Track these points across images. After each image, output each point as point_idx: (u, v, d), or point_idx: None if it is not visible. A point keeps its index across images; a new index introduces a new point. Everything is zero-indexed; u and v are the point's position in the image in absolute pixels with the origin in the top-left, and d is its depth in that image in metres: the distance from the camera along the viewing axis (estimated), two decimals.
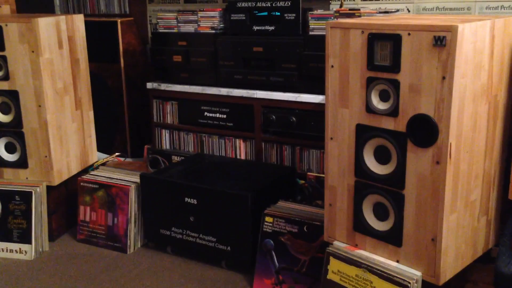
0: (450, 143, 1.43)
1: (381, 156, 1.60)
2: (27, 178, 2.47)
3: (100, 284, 2.17)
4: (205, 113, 2.80)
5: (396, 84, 1.50)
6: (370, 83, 1.56)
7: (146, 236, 2.45)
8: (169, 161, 2.93)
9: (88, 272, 2.27)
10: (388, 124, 1.55)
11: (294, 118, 2.53)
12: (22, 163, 2.45)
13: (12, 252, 2.41)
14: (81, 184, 2.53)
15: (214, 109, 2.77)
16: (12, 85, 2.37)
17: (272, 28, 2.54)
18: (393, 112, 1.53)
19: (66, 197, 2.60)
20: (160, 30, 2.85)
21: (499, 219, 1.75)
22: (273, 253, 2.07)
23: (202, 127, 2.83)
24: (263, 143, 2.66)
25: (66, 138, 2.53)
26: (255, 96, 2.61)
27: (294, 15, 2.47)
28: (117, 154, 2.98)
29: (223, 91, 2.69)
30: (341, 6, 2.80)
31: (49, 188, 2.47)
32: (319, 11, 2.46)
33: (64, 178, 2.53)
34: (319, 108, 2.44)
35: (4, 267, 2.33)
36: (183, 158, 2.85)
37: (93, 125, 2.76)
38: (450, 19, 1.50)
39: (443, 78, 1.39)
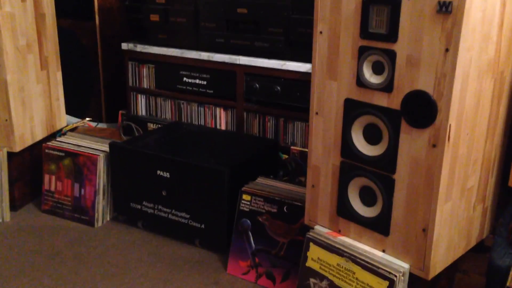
0: (450, 125, 1.26)
1: (371, 135, 1.43)
2: None
3: (61, 261, 2.01)
4: (184, 79, 2.60)
5: (392, 55, 1.32)
6: (362, 53, 1.38)
7: (116, 209, 2.28)
8: (144, 128, 2.74)
9: (50, 247, 2.11)
10: (381, 100, 1.37)
11: (279, 88, 2.34)
12: None
13: None
14: (46, 151, 2.33)
15: (194, 75, 2.57)
16: None
17: None
18: (387, 87, 1.35)
19: (31, 164, 2.41)
20: None
21: (496, 207, 1.60)
22: (250, 234, 1.92)
23: (180, 93, 2.63)
24: (245, 113, 2.48)
25: (30, 101, 2.32)
26: (237, 62, 2.41)
27: None
28: (88, 119, 2.77)
29: (204, 55, 2.49)
30: None
31: (11, 154, 2.27)
32: None
33: (27, 144, 2.33)
34: (306, 78, 2.25)
35: None
36: (159, 126, 2.66)
37: (61, 87, 2.55)
38: None
39: (447, 50, 1.21)
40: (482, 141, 1.42)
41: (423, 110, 1.28)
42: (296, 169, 2.27)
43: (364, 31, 1.36)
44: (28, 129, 2.33)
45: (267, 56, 2.35)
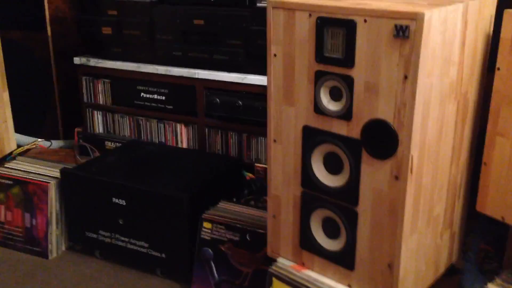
0: (412, 156, 1.17)
1: (332, 164, 1.34)
2: None
3: None
4: (142, 94, 2.47)
5: (349, 81, 1.22)
6: (319, 78, 1.28)
7: (71, 239, 2.15)
8: (102, 147, 2.60)
9: (1, 283, 1.96)
10: (340, 128, 1.28)
11: (240, 102, 2.23)
12: None
13: None
14: None
15: (152, 90, 2.44)
16: None
17: None
18: (346, 115, 1.25)
19: None
20: None
21: (464, 230, 1.53)
22: (212, 264, 1.81)
23: (138, 109, 2.50)
24: (206, 129, 2.36)
25: None
26: (196, 77, 2.29)
27: None
28: (39, 140, 2.62)
29: (161, 69, 2.36)
30: None
31: None
32: None
33: None
34: None
35: None
36: (118, 144, 2.53)
37: (9, 108, 2.40)
38: (415, 2, 1.22)
39: (405, 77, 1.12)
40: (447, 166, 1.34)
41: (383, 140, 1.20)
42: (261, 188, 2.17)
43: (320, 55, 1.26)
44: None
45: (227, 69, 2.24)
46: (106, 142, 2.60)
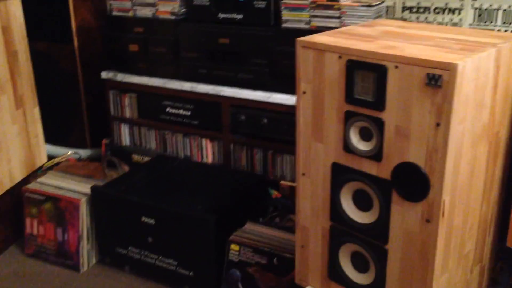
0: (444, 200, 1.18)
1: (361, 201, 1.36)
2: None
3: None
4: (168, 109, 2.50)
5: (379, 124, 1.23)
6: (349, 118, 1.29)
7: (101, 253, 2.20)
8: (129, 159, 2.65)
9: None
10: (370, 167, 1.29)
11: (265, 120, 2.25)
12: None
13: None
14: (26, 194, 2.24)
15: (177, 105, 2.47)
16: None
17: (240, 16, 2.21)
18: (376, 156, 1.26)
19: (12, 205, 2.32)
20: (114, 14, 2.49)
21: (493, 265, 1.53)
22: (240, 285, 1.85)
23: (164, 123, 2.53)
24: (231, 145, 2.39)
25: (6, 144, 2.22)
26: (222, 94, 2.31)
27: (264, 2, 2.14)
28: (69, 153, 2.68)
29: (186, 86, 2.39)
30: None
31: None
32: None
33: (6, 189, 2.24)
34: (293, 110, 2.16)
35: None
36: (144, 157, 2.57)
37: (40, 123, 2.45)
38: (447, 46, 1.21)
39: (437, 124, 1.13)
40: (479, 204, 1.35)
41: (414, 183, 1.20)
42: (287, 205, 2.20)
43: (350, 97, 1.27)
44: (6, 172, 2.23)
45: (252, 87, 2.25)
46: (133, 155, 2.64)
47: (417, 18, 2.45)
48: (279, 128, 2.23)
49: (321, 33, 1.38)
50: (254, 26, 2.18)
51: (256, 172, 2.35)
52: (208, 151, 2.47)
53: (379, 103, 1.21)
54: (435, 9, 2.40)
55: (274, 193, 2.23)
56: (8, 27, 2.19)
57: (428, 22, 2.43)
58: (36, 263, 2.25)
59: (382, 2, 2.02)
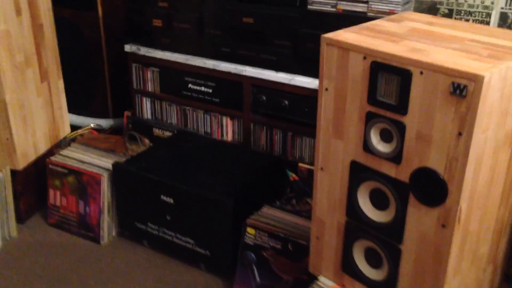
0: (461, 207, 1.18)
1: (378, 200, 1.36)
2: None
3: (66, 286, 2.02)
4: (189, 85, 2.50)
5: (401, 127, 1.22)
6: (370, 119, 1.28)
7: (121, 226, 2.27)
8: (150, 133, 2.68)
9: (56, 269, 2.11)
10: (389, 169, 1.29)
11: (286, 102, 2.24)
12: None
13: None
14: (50, 166, 2.30)
15: (199, 82, 2.47)
16: None
17: None
18: (396, 158, 1.26)
19: (36, 176, 2.38)
20: None
21: (506, 263, 1.54)
22: (254, 267, 1.89)
23: (186, 99, 2.54)
24: (252, 124, 2.39)
25: (31, 116, 2.26)
26: (244, 74, 2.30)
27: None
28: (92, 125, 2.72)
29: (209, 63, 2.38)
30: None
31: (15, 170, 2.25)
32: None
33: (30, 160, 2.30)
34: (315, 94, 2.14)
35: None
36: (165, 131, 2.60)
37: (64, 95, 2.48)
38: (475, 52, 1.18)
39: (459, 134, 1.12)
40: (496, 209, 1.34)
41: (432, 188, 1.20)
42: (303, 188, 2.21)
43: (372, 98, 1.26)
44: (31, 144, 2.29)
45: (274, 68, 2.24)
46: (153, 129, 2.67)
47: None
48: (300, 110, 2.22)
49: (346, 29, 1.36)
50: (279, 6, 2.15)
51: (274, 153, 2.36)
52: (228, 129, 2.48)
53: (402, 107, 1.20)
54: None
55: (292, 176, 2.24)
56: (34, 0, 2.19)
57: (459, 4, 2.36)
58: (59, 233, 2.33)
59: (408, 2, 1.96)
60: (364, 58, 1.23)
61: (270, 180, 2.20)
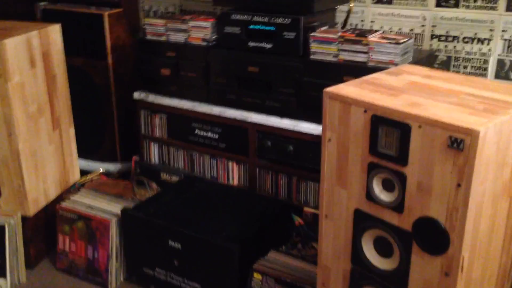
0: (463, 256, 1.21)
1: (382, 248, 1.39)
2: (0, 206, 2.29)
3: None
4: (196, 131, 2.57)
5: (402, 178, 1.27)
6: (372, 169, 1.33)
7: (128, 271, 2.29)
8: (157, 177, 2.73)
9: None
10: (392, 217, 1.33)
11: (291, 147, 2.30)
12: None
13: None
14: (60, 212, 2.34)
15: (206, 128, 2.54)
16: None
17: (270, 46, 2.26)
18: (398, 207, 1.30)
19: (45, 221, 2.43)
20: (148, 38, 2.57)
21: None
22: None
23: (192, 144, 2.61)
24: (257, 169, 2.44)
25: (43, 164, 2.33)
26: (249, 120, 2.37)
27: (294, 34, 2.19)
28: (101, 171, 2.77)
29: (216, 110, 2.45)
30: (345, 22, 2.50)
31: (26, 217, 2.29)
32: (323, 30, 2.18)
33: (41, 206, 2.35)
34: (319, 140, 2.20)
35: None
36: (172, 176, 2.65)
37: (74, 142, 2.55)
38: (471, 106, 1.24)
39: (458, 185, 1.16)
40: (498, 256, 1.37)
41: (434, 237, 1.24)
42: (309, 232, 2.24)
43: (373, 149, 1.31)
44: (42, 191, 2.34)
45: (279, 114, 2.31)
46: (161, 173, 2.72)
47: (446, 46, 2.47)
48: (305, 155, 2.28)
49: (347, 83, 1.43)
50: (283, 56, 2.23)
51: (280, 197, 2.41)
52: (234, 174, 2.53)
53: (402, 158, 1.25)
54: (464, 38, 2.41)
55: (297, 220, 2.27)
56: (48, 52, 2.29)
57: (457, 51, 2.44)
58: (67, 278, 2.35)
59: (409, 39, 2.04)
60: (365, 111, 1.29)
61: (276, 224, 2.23)
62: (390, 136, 1.26)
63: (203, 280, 2.05)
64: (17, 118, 2.13)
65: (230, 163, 2.53)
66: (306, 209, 2.30)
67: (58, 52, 2.36)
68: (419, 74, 1.51)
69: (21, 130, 2.16)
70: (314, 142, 2.22)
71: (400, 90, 1.37)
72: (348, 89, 1.38)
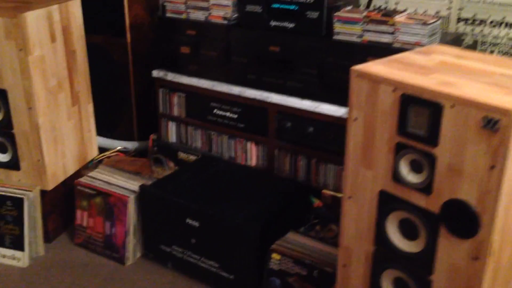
0: (493, 240, 1.18)
1: (407, 230, 1.37)
2: (19, 180, 2.30)
3: None
4: (215, 110, 2.55)
5: (431, 159, 1.24)
6: (399, 150, 1.30)
7: (146, 248, 2.30)
8: (174, 156, 2.73)
9: (84, 286, 2.14)
10: (419, 199, 1.30)
11: (311, 129, 2.27)
12: (13, 165, 2.28)
13: (5, 257, 2.29)
14: (78, 187, 2.35)
15: (225, 107, 2.52)
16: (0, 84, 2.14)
17: (292, 25, 2.22)
18: (426, 189, 1.28)
19: (64, 195, 2.43)
20: (168, 15, 2.55)
21: None
22: None
23: (211, 124, 2.59)
24: (276, 150, 2.42)
25: (62, 139, 2.32)
26: (269, 100, 2.34)
27: (317, 13, 2.15)
28: (118, 148, 2.77)
29: (235, 90, 2.43)
30: (369, 3, 2.45)
31: (45, 191, 2.30)
32: (347, 10, 2.13)
33: (60, 181, 2.35)
34: (341, 122, 2.17)
35: None
36: (190, 155, 2.64)
37: (93, 118, 2.55)
38: (506, 86, 1.20)
39: (492, 167, 1.13)
40: None
41: (464, 220, 1.21)
42: (328, 214, 2.22)
43: (402, 129, 1.28)
44: (60, 166, 2.34)
45: (300, 95, 2.27)
46: (178, 152, 2.71)
47: (472, 30, 2.41)
48: (325, 137, 2.25)
49: (375, 61, 1.39)
50: (306, 36, 2.19)
51: (298, 178, 2.39)
52: (252, 154, 2.51)
53: (432, 139, 1.22)
54: (491, 22, 2.35)
55: (316, 202, 2.25)
56: (68, 27, 2.27)
57: (483, 35, 2.38)
58: (84, 253, 2.36)
59: (437, 20, 1.99)
60: (394, 90, 1.26)
61: (294, 206, 2.22)
62: (420, 115, 1.23)
63: (220, 259, 2.05)
64: (37, 92, 2.13)
65: (248, 144, 2.51)
66: (324, 191, 2.27)
67: (78, 27, 2.34)
68: (450, 53, 1.47)
69: (41, 104, 2.16)
70: (335, 124, 2.19)
71: (431, 69, 1.33)
72: (376, 67, 1.34)
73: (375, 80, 1.29)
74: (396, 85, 1.25)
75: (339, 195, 2.24)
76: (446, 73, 1.30)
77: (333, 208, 2.23)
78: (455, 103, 1.15)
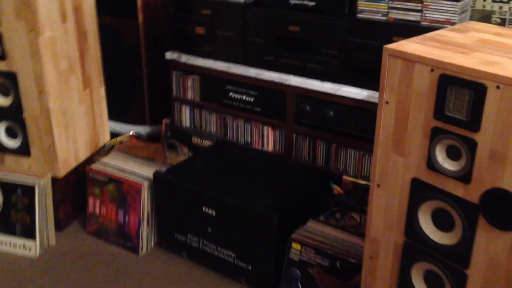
0: None
1: (442, 221, 1.28)
2: (30, 166, 2.23)
3: None
4: (230, 94, 2.46)
5: (472, 145, 1.14)
6: (436, 135, 1.20)
7: (160, 237, 2.23)
8: (188, 141, 2.65)
9: (94, 278, 2.08)
10: (456, 188, 1.21)
11: (331, 113, 2.17)
12: (24, 151, 2.20)
13: (16, 247, 2.23)
14: (90, 174, 2.28)
15: (241, 90, 2.43)
16: (9, 66, 2.05)
17: (313, 3, 2.11)
18: (464, 177, 1.18)
19: (75, 183, 2.37)
20: None
21: None
22: (299, 285, 1.82)
23: (226, 107, 2.50)
24: (294, 135, 2.33)
25: (73, 124, 2.25)
26: (288, 83, 2.24)
27: None
28: (131, 133, 2.69)
29: (252, 72, 2.33)
30: None
31: (56, 178, 2.23)
32: None
33: (71, 168, 2.28)
34: (363, 105, 2.08)
35: (7, 266, 2.16)
36: (204, 140, 2.56)
37: (105, 102, 2.47)
38: None
39: None
40: None
41: (506, 211, 1.12)
42: (348, 202, 2.14)
43: (439, 112, 1.18)
44: (72, 152, 2.27)
45: (320, 78, 2.18)
46: (192, 137, 2.63)
47: (500, 8, 2.28)
48: (346, 121, 2.15)
49: (409, 40, 1.29)
50: (327, 14, 2.09)
51: (317, 164, 2.30)
52: (269, 139, 2.43)
53: (474, 123, 1.12)
54: None
55: (336, 189, 2.17)
56: (80, 7, 2.18)
57: None
58: (97, 242, 2.30)
59: None
60: (432, 70, 1.16)
61: (314, 193, 2.13)
62: (460, 98, 1.13)
63: (237, 249, 1.97)
64: (48, 75, 2.04)
65: (265, 128, 2.42)
66: (345, 177, 2.19)
67: (89, 7, 2.25)
68: (489, 31, 1.36)
69: (52, 87, 2.08)
70: (357, 107, 2.09)
71: (470, 47, 1.23)
72: (411, 46, 1.24)
73: (411, 60, 1.19)
74: (434, 64, 1.15)
75: (360, 181, 2.15)
76: (488, 52, 1.19)
77: (354, 195, 2.15)
78: (500, 84, 1.05)
